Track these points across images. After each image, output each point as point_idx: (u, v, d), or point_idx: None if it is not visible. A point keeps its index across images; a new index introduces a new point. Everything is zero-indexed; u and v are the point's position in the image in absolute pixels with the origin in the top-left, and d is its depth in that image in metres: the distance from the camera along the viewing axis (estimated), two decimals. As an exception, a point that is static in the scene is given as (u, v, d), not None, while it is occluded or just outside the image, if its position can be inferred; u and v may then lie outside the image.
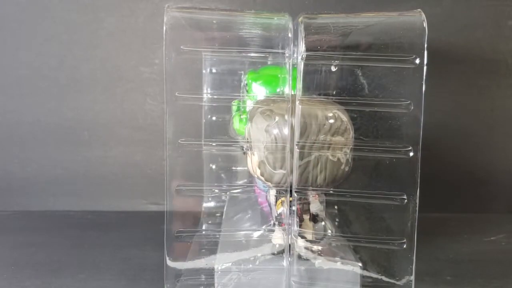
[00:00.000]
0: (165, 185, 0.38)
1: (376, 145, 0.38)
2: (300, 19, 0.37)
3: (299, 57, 0.36)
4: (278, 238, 0.41)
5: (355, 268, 0.39)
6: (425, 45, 0.35)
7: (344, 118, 0.38)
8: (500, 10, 0.66)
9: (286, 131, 0.37)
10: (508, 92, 0.67)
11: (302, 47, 0.36)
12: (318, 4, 0.61)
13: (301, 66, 0.36)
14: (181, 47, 0.37)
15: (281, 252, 0.41)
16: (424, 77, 0.36)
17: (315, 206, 0.41)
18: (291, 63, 0.37)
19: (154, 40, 0.66)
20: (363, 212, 0.42)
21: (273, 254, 0.42)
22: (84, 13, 0.66)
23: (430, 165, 0.41)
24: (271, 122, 0.37)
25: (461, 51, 0.65)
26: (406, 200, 0.37)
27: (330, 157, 0.38)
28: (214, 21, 0.41)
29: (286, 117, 0.37)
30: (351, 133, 0.38)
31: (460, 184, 0.64)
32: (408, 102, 0.36)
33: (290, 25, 0.38)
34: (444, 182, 0.62)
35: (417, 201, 0.37)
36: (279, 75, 0.48)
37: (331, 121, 0.37)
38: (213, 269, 0.40)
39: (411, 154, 0.37)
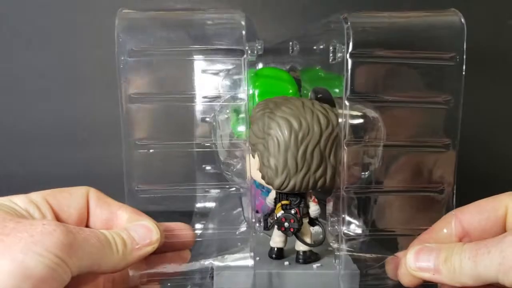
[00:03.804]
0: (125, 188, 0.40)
1: (419, 140, 0.40)
2: (344, 16, 0.38)
3: (347, 55, 0.36)
4: (277, 242, 0.42)
5: (354, 272, 0.39)
6: (464, 43, 0.37)
7: (375, 115, 0.39)
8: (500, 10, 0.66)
9: (287, 134, 0.37)
10: (508, 92, 0.67)
11: (349, 44, 0.36)
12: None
13: (348, 64, 0.37)
14: (132, 48, 0.39)
15: (279, 256, 0.42)
16: (464, 73, 0.38)
17: (314, 209, 0.41)
18: (246, 61, 0.38)
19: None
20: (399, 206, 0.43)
21: (271, 257, 0.42)
22: (84, 13, 0.66)
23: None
24: (272, 125, 0.37)
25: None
26: (445, 191, 0.39)
27: (330, 161, 0.38)
28: (168, 21, 0.42)
29: (289, 119, 0.37)
30: (383, 131, 0.39)
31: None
32: (450, 98, 0.38)
33: (243, 22, 0.38)
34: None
35: (454, 192, 0.39)
36: (279, 77, 0.49)
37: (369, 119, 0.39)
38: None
39: (451, 147, 0.39)
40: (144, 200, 0.40)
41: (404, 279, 0.35)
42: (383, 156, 0.40)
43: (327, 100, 0.41)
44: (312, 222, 0.41)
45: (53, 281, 0.27)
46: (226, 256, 0.39)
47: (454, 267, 0.31)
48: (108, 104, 0.67)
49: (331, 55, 0.40)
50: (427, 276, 0.33)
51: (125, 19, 0.39)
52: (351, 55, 0.36)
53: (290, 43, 0.55)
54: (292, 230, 0.39)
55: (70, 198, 0.35)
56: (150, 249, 0.35)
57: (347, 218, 0.39)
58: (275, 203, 0.41)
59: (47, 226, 0.28)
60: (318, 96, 0.42)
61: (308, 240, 0.41)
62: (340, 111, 0.38)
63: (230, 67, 0.40)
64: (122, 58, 0.39)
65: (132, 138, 0.40)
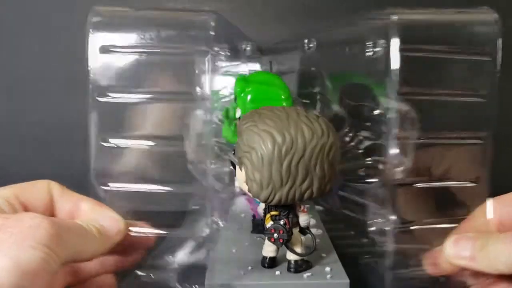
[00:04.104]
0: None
1: (456, 133, 0.41)
2: (390, 12, 0.38)
3: (394, 50, 0.37)
4: (268, 251, 0.41)
5: (344, 281, 0.39)
6: (500, 39, 0.39)
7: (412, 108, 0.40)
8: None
9: (270, 148, 0.36)
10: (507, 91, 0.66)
11: (397, 39, 0.37)
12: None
13: (396, 60, 0.37)
14: (103, 44, 0.40)
15: (271, 265, 0.41)
16: (498, 68, 0.39)
17: (304, 219, 0.40)
18: (209, 62, 0.39)
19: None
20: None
21: (264, 266, 0.41)
22: (84, 13, 0.65)
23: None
24: (256, 139, 0.37)
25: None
26: (481, 182, 0.40)
27: (316, 173, 0.37)
28: (140, 20, 0.42)
29: (272, 133, 0.36)
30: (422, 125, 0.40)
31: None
32: (487, 91, 0.39)
33: (212, 23, 0.39)
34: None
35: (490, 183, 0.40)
36: (271, 83, 0.48)
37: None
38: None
39: (487, 140, 0.40)
40: (110, 196, 0.42)
41: (444, 267, 0.37)
42: (422, 149, 0.41)
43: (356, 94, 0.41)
44: (303, 231, 0.41)
45: (44, 272, 0.28)
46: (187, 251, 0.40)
47: (490, 255, 0.32)
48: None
49: (370, 50, 0.40)
50: (464, 263, 0.34)
51: (97, 15, 0.41)
52: (398, 51, 0.37)
53: (306, 40, 0.55)
54: (281, 241, 0.39)
55: (37, 192, 0.36)
56: (118, 237, 0.36)
57: (390, 211, 0.40)
58: (265, 213, 0.40)
59: (35, 220, 0.29)
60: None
61: (298, 249, 0.41)
62: (385, 105, 0.39)
63: (198, 66, 0.40)
64: (93, 53, 0.40)
65: (98, 133, 0.41)
